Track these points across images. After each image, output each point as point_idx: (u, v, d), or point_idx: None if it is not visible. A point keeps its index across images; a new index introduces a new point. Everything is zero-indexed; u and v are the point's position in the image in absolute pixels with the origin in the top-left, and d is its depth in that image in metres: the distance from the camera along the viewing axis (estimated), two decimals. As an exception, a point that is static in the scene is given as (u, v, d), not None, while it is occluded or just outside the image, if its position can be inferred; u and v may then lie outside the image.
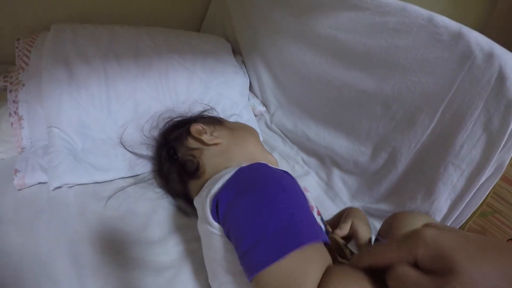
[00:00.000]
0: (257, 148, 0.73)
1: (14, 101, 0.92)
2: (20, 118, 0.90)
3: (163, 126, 0.86)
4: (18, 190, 0.82)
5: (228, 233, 0.49)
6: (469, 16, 1.43)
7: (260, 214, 0.45)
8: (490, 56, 0.62)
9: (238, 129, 0.77)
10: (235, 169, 0.54)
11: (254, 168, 0.54)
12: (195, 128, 0.72)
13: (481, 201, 0.67)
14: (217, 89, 1.02)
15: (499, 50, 0.62)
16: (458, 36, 0.65)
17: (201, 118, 0.82)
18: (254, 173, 0.53)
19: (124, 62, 0.96)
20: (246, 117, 1.04)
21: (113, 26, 1.02)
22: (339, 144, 0.88)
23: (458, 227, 0.75)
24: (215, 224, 0.50)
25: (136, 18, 1.23)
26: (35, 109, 0.91)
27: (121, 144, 0.88)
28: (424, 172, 0.71)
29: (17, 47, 1.00)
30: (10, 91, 0.93)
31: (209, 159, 0.68)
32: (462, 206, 0.68)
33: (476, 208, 0.69)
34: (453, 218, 0.70)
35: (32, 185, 0.83)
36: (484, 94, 0.63)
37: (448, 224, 0.71)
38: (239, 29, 1.19)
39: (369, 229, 0.63)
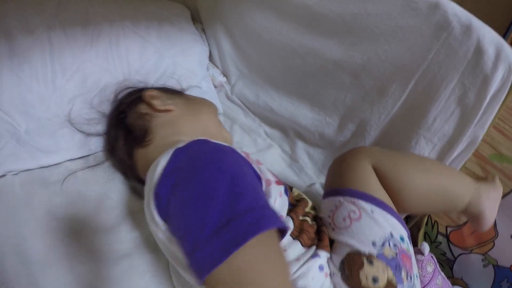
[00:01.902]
0: (211, 121, 0.67)
1: None
2: None
3: (116, 96, 0.77)
4: None
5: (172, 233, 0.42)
6: None
7: (195, 211, 0.37)
8: (468, 29, 0.55)
9: (195, 100, 0.71)
10: (171, 152, 0.44)
11: (191, 150, 0.45)
12: (148, 93, 0.66)
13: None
14: (173, 57, 0.88)
15: (477, 23, 0.56)
16: (435, 6, 0.57)
17: (158, 87, 0.75)
18: (191, 156, 0.43)
19: (71, 32, 0.82)
20: (206, 88, 0.92)
21: (61, -8, 0.86)
22: (304, 115, 0.80)
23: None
24: (160, 222, 0.43)
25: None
26: None
27: (69, 122, 0.76)
28: (394, 145, 0.66)
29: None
30: None
31: (159, 127, 0.62)
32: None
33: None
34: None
35: None
36: (460, 67, 0.57)
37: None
38: (199, -5, 1.04)
39: None
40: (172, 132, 0.61)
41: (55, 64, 0.79)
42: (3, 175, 0.73)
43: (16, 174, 0.75)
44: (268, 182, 0.50)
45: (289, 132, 0.84)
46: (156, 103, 0.64)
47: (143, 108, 0.65)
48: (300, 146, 0.81)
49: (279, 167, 0.80)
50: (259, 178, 0.48)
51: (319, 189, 0.74)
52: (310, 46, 0.74)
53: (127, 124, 0.65)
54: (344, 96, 0.71)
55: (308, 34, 0.74)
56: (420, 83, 0.60)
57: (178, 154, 0.44)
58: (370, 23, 0.63)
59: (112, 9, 0.89)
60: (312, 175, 0.78)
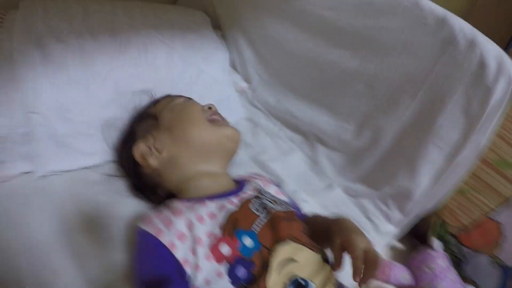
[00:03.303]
0: (201, 132, 0.73)
1: None
2: None
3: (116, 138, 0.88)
4: (1, 182, 0.81)
5: None
6: (452, 2, 1.46)
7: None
8: (472, 43, 0.69)
9: (175, 125, 0.75)
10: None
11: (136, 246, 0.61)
12: (138, 154, 0.74)
13: (458, 178, 0.76)
14: (197, 64, 1.03)
15: (481, 38, 0.69)
16: (442, 22, 0.71)
17: (137, 122, 0.83)
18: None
19: (101, 39, 0.95)
20: (228, 93, 1.07)
21: (85, 1, 1.00)
22: (323, 120, 0.95)
23: (437, 203, 0.86)
24: None
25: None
26: (10, 95, 0.88)
27: (101, 129, 0.88)
28: (406, 150, 0.79)
29: (-16, 29, 0.94)
30: None
31: (167, 178, 0.73)
32: (441, 183, 0.77)
33: (454, 184, 0.78)
34: (432, 194, 0.80)
35: (16, 176, 0.82)
36: (464, 79, 0.70)
37: (428, 200, 0.81)
38: (218, 2, 1.20)
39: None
40: (181, 174, 0.71)
41: (87, 70, 0.91)
42: (44, 176, 0.83)
43: (58, 174, 0.84)
44: (196, 267, 0.53)
45: (309, 136, 0.99)
46: (152, 162, 0.72)
47: (145, 169, 0.75)
48: (320, 149, 0.96)
49: (300, 169, 0.95)
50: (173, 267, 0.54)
51: (339, 191, 0.90)
52: (328, 56, 0.88)
53: (138, 172, 0.77)
54: (360, 104, 0.85)
55: (325, 45, 0.88)
56: (428, 93, 0.74)
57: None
58: (383, 37, 0.77)
59: (136, 18, 1.03)
60: (331, 177, 0.93)
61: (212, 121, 0.75)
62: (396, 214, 0.85)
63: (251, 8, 1.09)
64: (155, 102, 0.86)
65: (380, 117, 0.82)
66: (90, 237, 0.74)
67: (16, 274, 0.68)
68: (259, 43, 1.10)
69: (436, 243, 0.94)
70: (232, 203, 0.61)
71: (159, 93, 0.98)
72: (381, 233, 0.86)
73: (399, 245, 1.01)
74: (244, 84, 1.16)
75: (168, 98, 0.84)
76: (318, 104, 0.96)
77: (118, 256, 0.71)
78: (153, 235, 0.56)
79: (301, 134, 1.02)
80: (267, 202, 0.63)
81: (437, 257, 0.91)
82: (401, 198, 0.83)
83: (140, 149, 0.75)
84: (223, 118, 0.80)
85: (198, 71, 1.03)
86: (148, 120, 0.80)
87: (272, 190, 0.72)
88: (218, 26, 1.22)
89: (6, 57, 0.91)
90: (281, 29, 0.99)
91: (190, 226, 0.56)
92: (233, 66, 1.19)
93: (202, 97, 1.02)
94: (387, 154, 0.83)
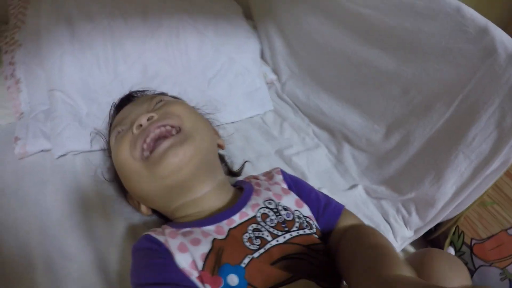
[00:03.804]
0: (142, 185, 0.65)
1: (10, 63, 0.93)
2: (17, 81, 0.93)
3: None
4: (19, 159, 0.85)
5: None
6: (493, 11, 1.47)
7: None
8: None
9: (123, 181, 0.70)
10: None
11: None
12: (131, 201, 0.75)
13: (483, 191, 0.80)
14: (228, 53, 1.08)
15: None
16: (483, 32, 0.73)
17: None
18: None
19: (131, 21, 0.99)
20: (258, 85, 1.12)
21: (116, -19, 1.03)
22: (353, 119, 0.98)
23: (456, 214, 0.89)
24: None
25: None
26: (34, 71, 0.93)
27: None
28: (435, 157, 0.82)
29: (10, 4, 1.00)
30: (6, 52, 0.94)
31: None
32: (466, 194, 0.80)
33: (477, 197, 0.82)
34: (455, 204, 0.83)
35: (34, 153, 0.86)
36: (502, 93, 0.72)
37: (449, 210, 0.84)
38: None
39: None
40: (164, 211, 0.70)
41: (117, 51, 0.95)
42: (64, 155, 0.86)
43: (77, 154, 0.88)
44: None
45: (337, 134, 1.03)
46: (142, 209, 0.72)
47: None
48: (346, 148, 1.00)
49: (325, 166, 0.99)
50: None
51: (361, 191, 0.94)
52: (364, 56, 0.91)
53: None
54: (393, 107, 0.88)
55: (362, 44, 0.91)
56: (464, 103, 0.76)
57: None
58: (422, 42, 0.80)
59: (168, 2, 1.06)
60: (355, 177, 0.97)
61: (146, 159, 0.61)
62: (416, 220, 0.89)
63: (285, -1, 1.12)
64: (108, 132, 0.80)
65: (412, 122, 0.85)
66: (105, 221, 0.77)
67: (26, 254, 0.70)
68: (291, 35, 1.13)
69: (452, 252, 0.98)
70: (221, 231, 0.56)
71: (187, 80, 1.03)
72: (398, 237, 0.89)
73: (411, 249, 1.06)
74: (273, 76, 1.20)
75: (110, 127, 0.78)
76: (350, 102, 0.99)
77: (132, 242, 0.70)
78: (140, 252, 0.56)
79: (328, 132, 1.06)
80: (265, 234, 0.56)
81: None
82: (424, 205, 0.86)
83: (131, 202, 0.76)
84: (156, 124, 0.64)
85: (229, 60, 1.08)
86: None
87: (291, 199, 0.64)
88: (249, 16, 1.26)
89: (32, 33, 0.95)
90: (316, 22, 1.02)
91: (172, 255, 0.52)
92: (263, 57, 1.23)
93: (232, 87, 1.08)
94: (415, 160, 0.86)
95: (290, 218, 0.59)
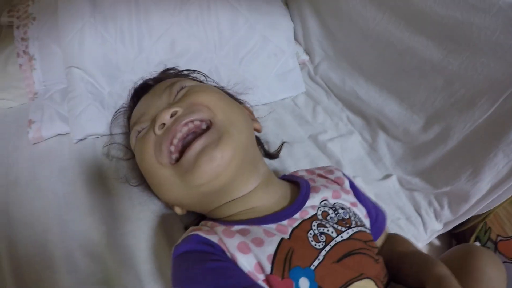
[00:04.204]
0: (173, 194, 0.62)
1: (22, 39, 0.90)
2: (30, 58, 0.90)
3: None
4: (33, 144, 0.83)
5: None
6: None
7: None
8: None
9: (151, 186, 0.68)
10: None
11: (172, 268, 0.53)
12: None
13: (516, 191, 0.83)
14: (262, 31, 1.06)
15: None
16: None
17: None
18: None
19: None
20: (292, 66, 1.12)
21: None
22: (391, 108, 1.00)
23: (487, 210, 0.92)
24: None
25: None
26: (49, 47, 0.91)
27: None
28: (473, 153, 0.85)
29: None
30: (18, 27, 0.91)
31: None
32: (500, 192, 0.84)
33: (510, 195, 0.85)
34: (488, 201, 0.86)
35: (50, 138, 0.84)
36: None
37: (481, 206, 0.88)
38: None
39: None
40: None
41: (142, 24, 0.91)
42: (83, 139, 0.85)
43: (98, 137, 0.86)
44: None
45: (372, 121, 1.05)
46: (176, 210, 0.68)
47: None
48: (382, 137, 1.02)
49: (358, 154, 1.01)
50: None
51: (395, 181, 0.97)
52: (409, 43, 0.92)
53: None
54: (435, 99, 0.90)
55: (408, 31, 0.92)
56: (508, 102, 0.78)
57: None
58: (473, 35, 0.81)
59: None
60: (389, 167, 1.00)
61: (176, 163, 0.58)
62: (447, 214, 0.92)
63: (323, -26, 1.11)
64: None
65: (453, 116, 0.87)
66: (132, 214, 0.74)
67: (46, 252, 0.67)
68: (327, 15, 1.13)
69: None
70: (283, 230, 0.53)
71: (218, 58, 1.01)
72: (428, 230, 0.93)
73: (435, 241, 1.10)
74: (305, 57, 1.21)
75: (130, 125, 0.73)
76: (389, 90, 1.01)
77: (163, 238, 0.71)
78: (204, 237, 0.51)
79: (364, 118, 1.08)
80: (330, 230, 0.55)
81: None
82: (457, 200, 0.89)
83: (162, 200, 0.74)
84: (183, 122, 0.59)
85: (262, 38, 1.07)
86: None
87: (348, 199, 0.64)
88: None
89: (47, 5, 0.93)
90: (358, 3, 1.02)
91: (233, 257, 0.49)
92: (295, 36, 1.22)
93: (265, 67, 1.08)
94: (453, 154, 0.89)
95: (347, 216, 0.59)
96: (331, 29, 1.14)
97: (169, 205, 0.70)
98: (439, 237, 1.06)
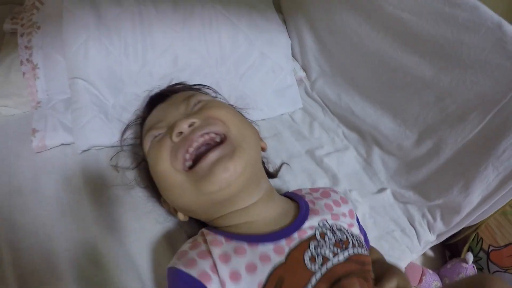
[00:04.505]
0: (185, 199, 0.64)
1: (26, 47, 0.91)
2: (34, 67, 0.90)
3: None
4: (36, 153, 0.83)
5: None
6: None
7: None
8: None
9: (160, 189, 0.69)
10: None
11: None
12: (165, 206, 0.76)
13: (507, 201, 0.87)
14: (261, 48, 1.10)
15: None
16: None
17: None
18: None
19: (163, 8, 0.97)
20: (289, 82, 1.16)
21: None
22: (385, 124, 1.05)
23: (479, 221, 0.96)
24: None
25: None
26: (53, 56, 0.91)
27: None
28: (465, 167, 0.89)
29: (27, -17, 0.95)
30: (22, 35, 0.91)
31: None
32: (490, 204, 0.88)
33: (500, 207, 0.89)
34: (479, 212, 0.91)
35: (54, 147, 0.85)
36: None
37: (473, 217, 0.92)
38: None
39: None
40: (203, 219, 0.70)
41: (146, 38, 0.93)
42: (88, 149, 0.85)
43: (101, 149, 0.87)
44: None
45: (367, 136, 1.10)
46: (179, 215, 0.70)
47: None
48: (376, 152, 1.07)
49: (354, 168, 1.06)
50: None
51: (389, 195, 1.01)
52: (402, 61, 0.97)
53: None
54: (427, 114, 0.95)
55: (401, 49, 0.97)
56: (497, 117, 0.83)
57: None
58: (463, 53, 0.86)
59: None
60: (383, 181, 1.04)
61: (189, 170, 0.61)
62: (440, 225, 0.96)
63: (319, -6, 1.16)
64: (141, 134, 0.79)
65: (444, 131, 0.92)
66: (137, 224, 0.75)
67: (51, 260, 0.67)
68: (324, 32, 1.18)
69: (470, 257, 1.07)
70: (280, 250, 0.56)
71: (219, 73, 1.03)
72: (422, 241, 0.97)
73: (429, 252, 1.14)
74: (302, 74, 1.25)
75: (143, 132, 0.75)
76: (383, 106, 1.06)
77: (167, 247, 0.73)
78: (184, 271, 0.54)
79: (359, 134, 1.13)
80: (327, 252, 0.57)
81: (469, 270, 1.07)
82: (450, 212, 0.94)
83: (166, 207, 0.76)
84: (199, 130, 0.63)
85: (261, 55, 1.10)
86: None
87: (346, 221, 0.67)
88: (278, 9, 1.28)
89: (52, 14, 0.93)
90: (353, 22, 1.07)
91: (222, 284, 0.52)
92: (292, 53, 1.26)
93: (264, 84, 1.10)
94: (444, 167, 0.94)
95: (345, 238, 0.61)
96: (327, 46, 1.20)
97: (172, 211, 0.73)
98: (433, 248, 1.11)
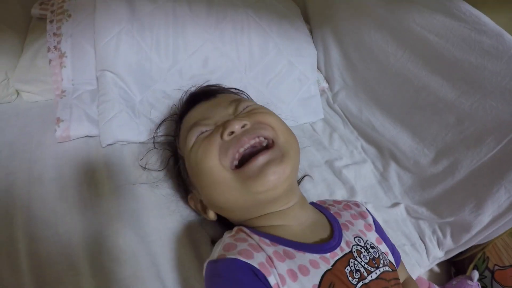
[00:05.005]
0: (229, 196, 0.65)
1: (55, 34, 0.91)
2: (61, 55, 0.90)
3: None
4: (59, 142, 0.83)
5: None
6: None
7: None
8: None
9: (200, 186, 0.70)
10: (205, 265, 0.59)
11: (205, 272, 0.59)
12: (193, 206, 0.78)
13: (515, 224, 0.93)
14: (289, 57, 1.15)
15: None
16: None
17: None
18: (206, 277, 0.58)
19: (196, 9, 1.00)
20: (313, 92, 1.22)
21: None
22: (403, 140, 1.11)
23: (487, 240, 1.02)
24: None
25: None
26: (82, 46, 0.91)
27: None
28: (478, 187, 0.95)
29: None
30: (51, 22, 0.91)
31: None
32: (500, 224, 0.93)
33: (509, 227, 0.95)
34: (489, 232, 0.96)
35: (77, 138, 0.85)
36: None
37: (482, 236, 0.97)
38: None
39: None
40: (234, 219, 0.72)
41: (178, 37, 0.96)
42: (113, 143, 0.86)
43: (126, 144, 0.87)
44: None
45: (385, 151, 1.16)
46: (208, 214, 0.73)
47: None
48: (393, 167, 1.13)
49: (369, 181, 1.11)
50: None
51: (402, 209, 1.06)
52: (426, 81, 1.03)
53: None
54: (445, 134, 1.00)
55: (426, 70, 1.03)
56: None
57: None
58: (485, 79, 0.92)
59: None
60: (398, 195, 1.10)
61: (236, 169, 0.64)
62: (449, 243, 1.01)
63: (349, 9, 1.23)
64: (176, 131, 0.81)
65: (461, 152, 0.98)
66: (160, 222, 0.76)
67: (69, 254, 0.67)
68: (350, 46, 1.25)
69: (476, 275, 1.12)
70: (326, 260, 0.59)
71: (248, 78, 1.07)
72: (430, 257, 1.02)
73: (435, 268, 1.19)
74: (325, 85, 1.31)
75: (184, 127, 0.76)
76: (403, 123, 1.12)
77: (190, 248, 0.75)
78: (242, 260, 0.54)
79: (377, 148, 1.19)
80: (362, 269, 0.61)
81: (474, 287, 1.11)
82: (460, 230, 0.98)
83: (193, 205, 0.77)
84: (248, 131, 0.66)
85: (289, 63, 1.15)
86: (182, 161, 0.76)
87: (373, 235, 0.72)
88: (306, 20, 1.34)
89: (85, 4, 0.94)
90: (380, 39, 1.14)
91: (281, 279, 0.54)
92: (317, 64, 1.31)
93: (289, 92, 1.16)
94: (458, 187, 0.99)
95: (377, 256, 0.65)
96: (352, 60, 1.26)
97: (199, 209, 0.75)
98: (439, 264, 1.16)
